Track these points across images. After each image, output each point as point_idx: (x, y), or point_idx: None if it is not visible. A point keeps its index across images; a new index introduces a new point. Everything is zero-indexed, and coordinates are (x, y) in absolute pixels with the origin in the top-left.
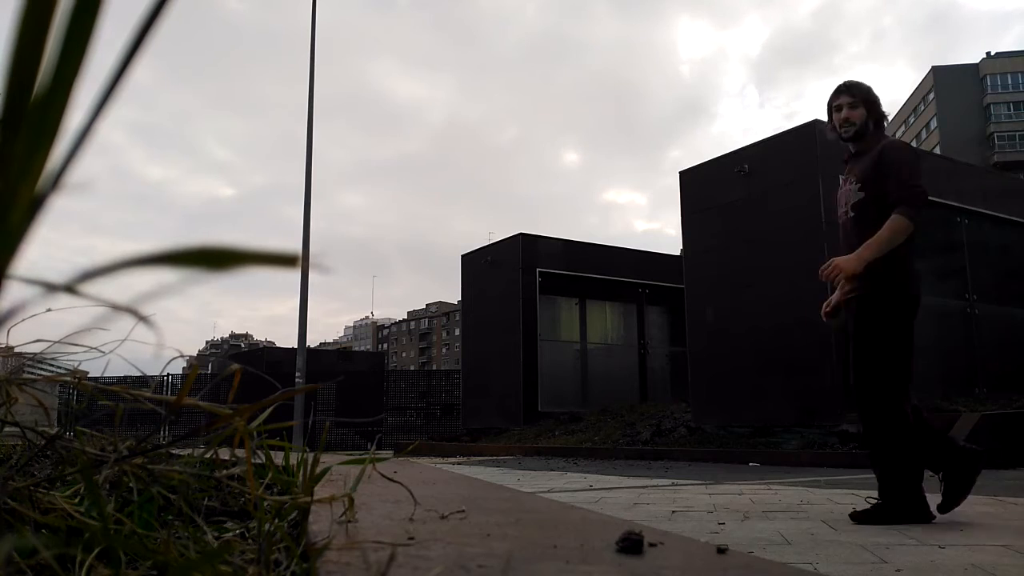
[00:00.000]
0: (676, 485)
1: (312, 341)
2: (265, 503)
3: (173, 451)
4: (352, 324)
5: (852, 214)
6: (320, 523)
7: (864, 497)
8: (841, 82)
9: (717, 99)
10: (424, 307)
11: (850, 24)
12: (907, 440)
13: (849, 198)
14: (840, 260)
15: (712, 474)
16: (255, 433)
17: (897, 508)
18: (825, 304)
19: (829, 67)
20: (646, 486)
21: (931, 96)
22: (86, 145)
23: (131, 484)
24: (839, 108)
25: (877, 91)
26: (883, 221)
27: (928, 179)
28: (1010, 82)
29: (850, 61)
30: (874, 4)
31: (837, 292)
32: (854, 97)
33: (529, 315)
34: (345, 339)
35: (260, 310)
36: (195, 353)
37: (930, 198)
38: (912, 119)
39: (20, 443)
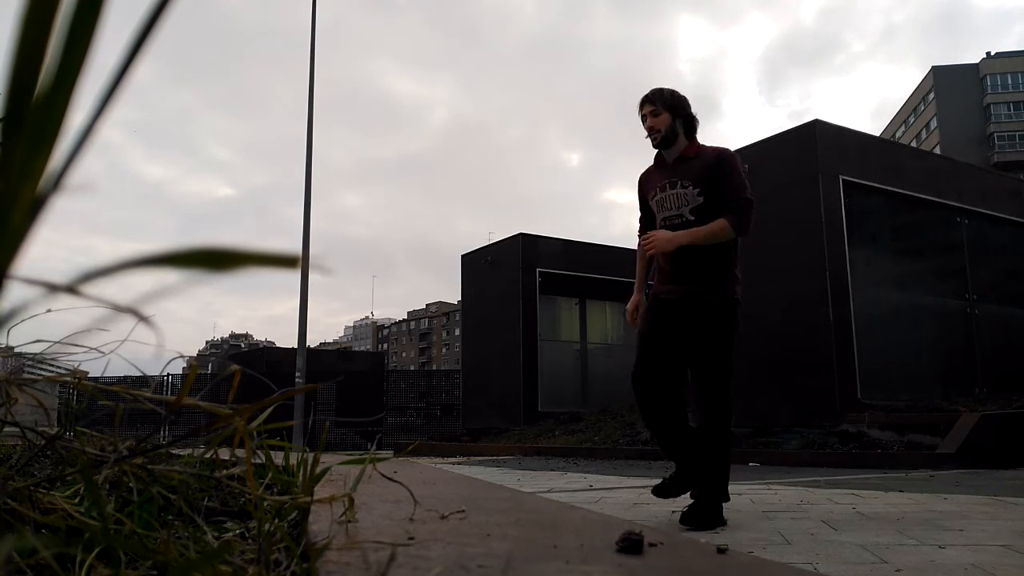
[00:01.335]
0: None
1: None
2: (265, 503)
3: (173, 451)
4: (352, 324)
5: (692, 219)
6: (320, 523)
7: (865, 497)
8: (647, 91)
9: (722, 98)
10: (424, 307)
11: (857, 23)
12: (727, 431)
13: (687, 202)
14: (657, 237)
15: None
16: (255, 433)
17: (718, 505)
18: (632, 306)
19: (836, 67)
20: (646, 486)
21: (931, 96)
22: (87, 146)
23: (131, 484)
24: (644, 118)
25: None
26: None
27: (928, 179)
28: (1010, 82)
29: (857, 60)
30: (884, 4)
31: (636, 295)
32: (655, 105)
33: (529, 315)
34: (345, 339)
35: (260, 310)
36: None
37: (930, 198)
38: (912, 119)
39: (20, 443)
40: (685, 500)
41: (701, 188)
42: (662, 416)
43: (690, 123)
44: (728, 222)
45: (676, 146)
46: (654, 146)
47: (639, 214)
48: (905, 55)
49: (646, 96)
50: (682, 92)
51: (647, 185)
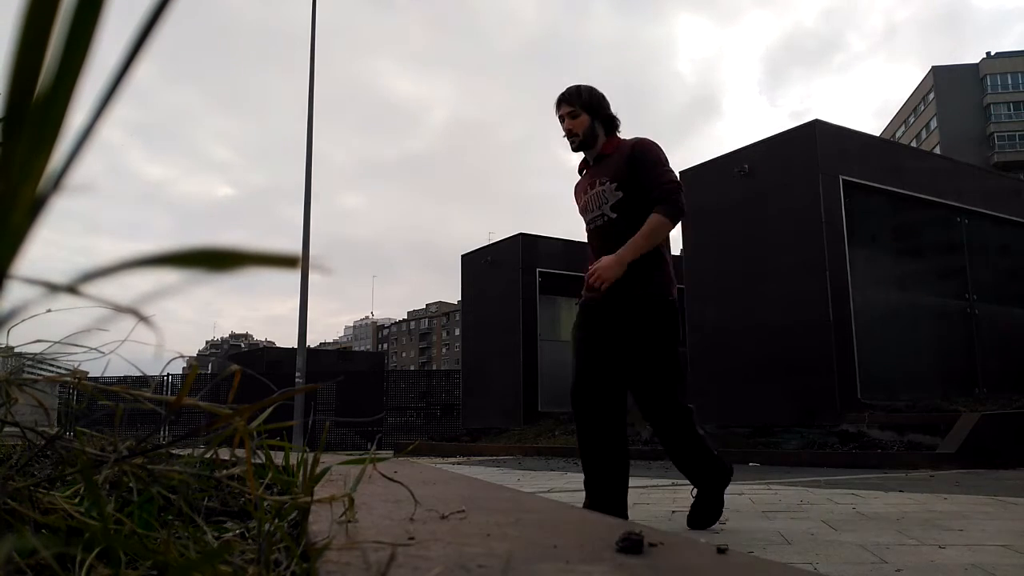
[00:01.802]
0: (676, 485)
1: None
2: (265, 503)
3: (173, 451)
4: (352, 324)
5: (614, 215)
6: (320, 523)
7: (865, 497)
8: (562, 91)
9: (722, 98)
10: (424, 307)
11: (858, 23)
12: (696, 432)
13: (606, 199)
14: (601, 267)
15: None
16: (255, 433)
17: (719, 496)
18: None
19: (838, 66)
20: (646, 486)
21: (931, 96)
22: (87, 146)
23: (131, 484)
24: (561, 119)
25: (604, 94)
26: (644, 220)
27: (928, 179)
28: (1010, 82)
29: (858, 60)
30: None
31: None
32: (573, 106)
33: (529, 315)
34: (345, 339)
35: (260, 310)
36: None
37: (930, 198)
38: (912, 119)
39: (20, 443)
40: (686, 500)
41: (619, 183)
42: (600, 436)
43: (610, 122)
44: (660, 213)
45: (596, 147)
46: (573, 149)
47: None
48: (907, 54)
49: (563, 96)
50: (686, 91)
51: (577, 194)
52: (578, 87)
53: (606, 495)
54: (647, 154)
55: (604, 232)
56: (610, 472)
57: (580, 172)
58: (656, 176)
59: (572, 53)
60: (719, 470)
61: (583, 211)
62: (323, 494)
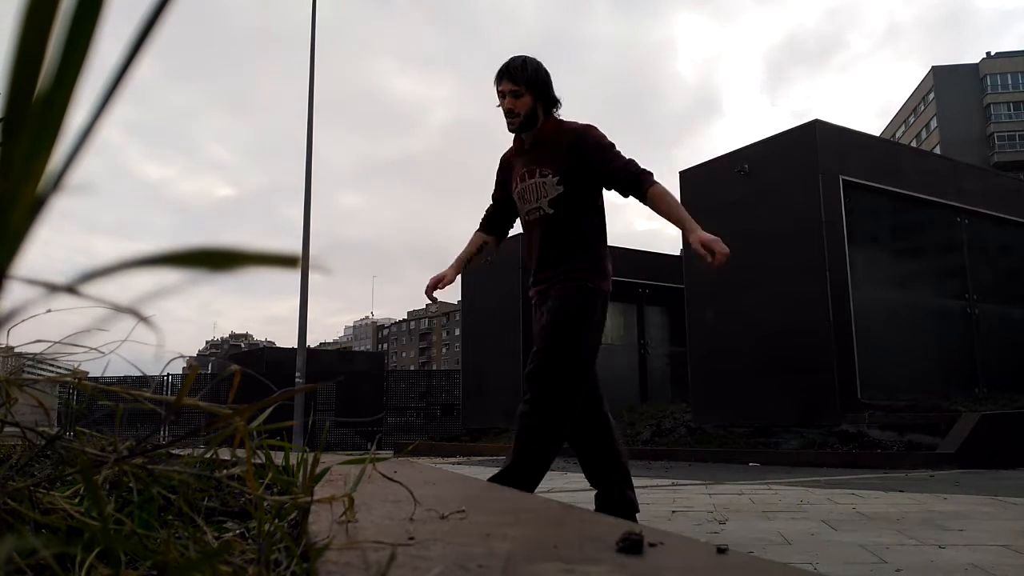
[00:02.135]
0: (676, 485)
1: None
2: (265, 503)
3: (173, 451)
4: (352, 324)
5: (551, 211)
6: (320, 523)
7: (865, 497)
8: (506, 62)
9: (723, 98)
10: (424, 307)
11: (860, 23)
12: (562, 434)
13: (545, 192)
14: (719, 245)
15: (712, 474)
16: (255, 433)
17: (518, 477)
18: (434, 279)
19: (839, 66)
20: (646, 486)
21: (931, 96)
22: (88, 146)
23: (131, 484)
24: (502, 95)
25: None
26: (584, 214)
27: (928, 179)
28: (1010, 82)
29: (860, 60)
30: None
31: (448, 269)
32: (517, 84)
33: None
34: (345, 339)
35: (260, 310)
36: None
37: (930, 198)
38: (912, 119)
39: (20, 443)
40: (686, 500)
41: (561, 176)
42: (583, 435)
43: (552, 104)
44: (655, 182)
45: (535, 129)
46: (510, 130)
47: (493, 193)
48: (908, 54)
49: (507, 71)
50: (686, 91)
51: (508, 172)
52: (523, 61)
53: (609, 485)
54: (596, 140)
55: (540, 225)
56: (602, 463)
57: (515, 152)
58: (612, 161)
59: (572, 53)
60: (542, 462)
61: (518, 198)
62: (323, 494)
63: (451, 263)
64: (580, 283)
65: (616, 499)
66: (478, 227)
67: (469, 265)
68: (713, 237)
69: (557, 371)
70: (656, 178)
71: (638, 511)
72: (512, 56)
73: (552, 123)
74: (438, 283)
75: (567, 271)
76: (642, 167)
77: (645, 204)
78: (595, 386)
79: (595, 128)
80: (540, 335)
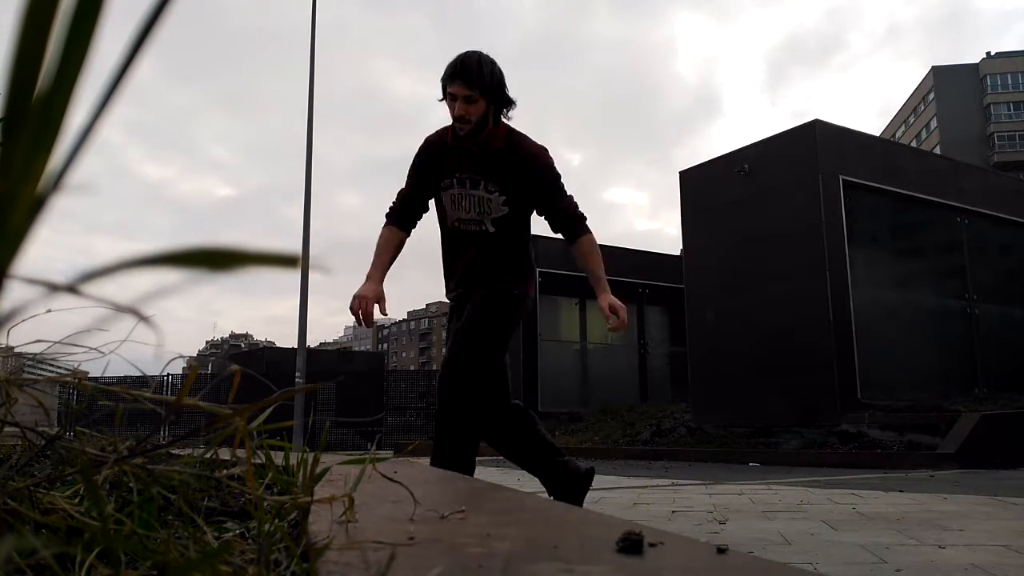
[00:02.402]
0: (676, 485)
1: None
2: (265, 503)
3: (173, 451)
4: (352, 324)
5: (492, 230)
6: (320, 523)
7: (865, 497)
8: (458, 59)
9: (723, 98)
10: (424, 307)
11: (860, 23)
12: (475, 431)
13: (489, 210)
14: (622, 312)
15: (712, 474)
16: (255, 433)
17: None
18: (362, 297)
19: (840, 65)
20: (646, 486)
21: (931, 96)
22: (87, 145)
23: (131, 484)
24: (452, 96)
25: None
26: (520, 230)
27: (928, 179)
28: (1010, 82)
29: (861, 59)
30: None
31: (373, 284)
32: (471, 89)
33: (529, 315)
34: (345, 339)
35: (260, 310)
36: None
37: (930, 198)
38: (912, 119)
39: (20, 443)
40: (686, 500)
41: (508, 196)
42: (503, 430)
43: (505, 106)
44: (589, 233)
45: (482, 133)
46: (459, 135)
47: (409, 182)
48: (909, 54)
49: (461, 72)
50: (687, 91)
51: (437, 163)
52: (479, 62)
53: (548, 471)
54: (547, 171)
55: (477, 240)
56: (530, 454)
57: (451, 145)
58: (560, 197)
59: (572, 53)
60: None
61: (451, 201)
62: (323, 494)
63: (370, 275)
64: (507, 287)
65: (568, 475)
66: (388, 222)
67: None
68: (620, 304)
69: (477, 370)
70: (588, 230)
71: (594, 472)
72: (465, 53)
73: (502, 129)
74: (371, 307)
75: (495, 280)
76: (582, 217)
77: (571, 246)
78: (507, 381)
79: (548, 155)
80: (465, 332)
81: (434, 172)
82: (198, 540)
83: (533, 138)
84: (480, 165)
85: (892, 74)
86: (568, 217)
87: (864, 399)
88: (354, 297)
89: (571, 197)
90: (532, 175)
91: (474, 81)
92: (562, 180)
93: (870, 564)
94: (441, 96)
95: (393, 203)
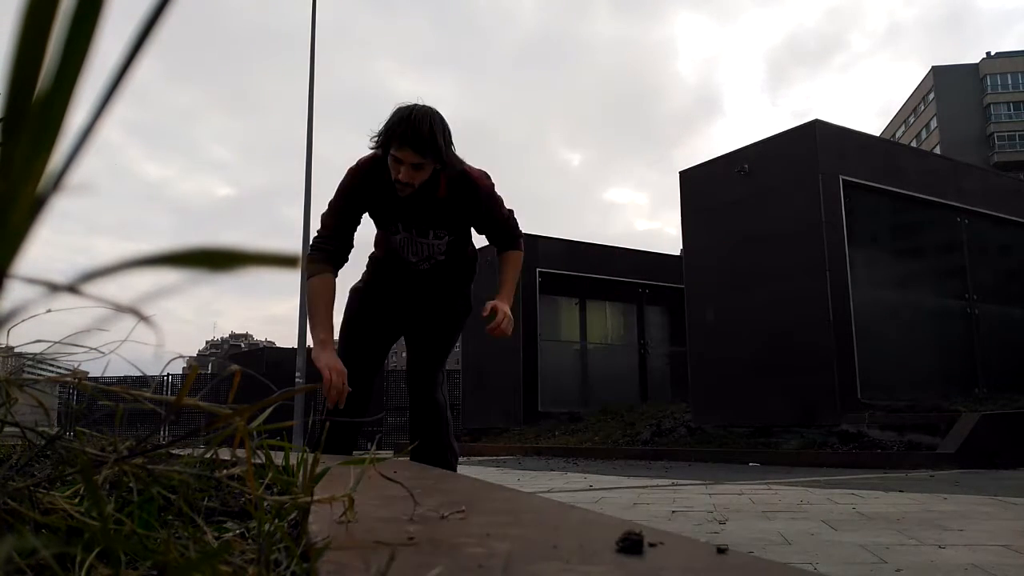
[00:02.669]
0: (676, 485)
1: None
2: (265, 503)
3: (173, 451)
4: None
5: (442, 258)
6: (320, 523)
7: (865, 497)
8: (406, 122)
9: (723, 98)
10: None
11: (861, 22)
12: (444, 418)
13: (439, 250)
14: (507, 319)
15: (712, 474)
16: (255, 433)
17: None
18: (333, 374)
19: (840, 65)
20: (646, 486)
21: (931, 96)
22: (88, 145)
23: (131, 484)
24: (398, 160)
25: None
26: (468, 243)
27: (928, 179)
28: (1010, 82)
29: (861, 59)
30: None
31: (333, 357)
32: (423, 157)
33: (529, 315)
34: None
35: (260, 310)
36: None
37: (930, 198)
38: (912, 119)
39: (20, 443)
40: (686, 500)
41: (453, 229)
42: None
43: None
44: (518, 249)
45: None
46: (400, 195)
47: (343, 220)
48: (909, 54)
49: (413, 140)
50: (687, 91)
51: (376, 203)
52: (432, 130)
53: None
54: (490, 198)
55: (432, 268)
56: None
57: (388, 185)
58: (511, 226)
59: (572, 53)
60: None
61: (399, 245)
62: (323, 494)
63: (324, 340)
64: (463, 299)
65: (437, 446)
66: (322, 267)
67: None
68: (509, 314)
69: (443, 375)
70: (520, 247)
71: (457, 456)
72: (413, 114)
73: (442, 177)
74: (344, 380)
75: (451, 291)
76: (520, 235)
77: (500, 255)
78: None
79: (489, 180)
80: (436, 343)
81: (372, 209)
82: (198, 540)
83: (481, 166)
84: (426, 217)
85: (892, 74)
86: (509, 232)
87: (864, 399)
88: (327, 368)
89: (511, 212)
90: (476, 208)
91: (427, 150)
92: (501, 198)
93: (870, 564)
94: (375, 147)
95: (324, 242)
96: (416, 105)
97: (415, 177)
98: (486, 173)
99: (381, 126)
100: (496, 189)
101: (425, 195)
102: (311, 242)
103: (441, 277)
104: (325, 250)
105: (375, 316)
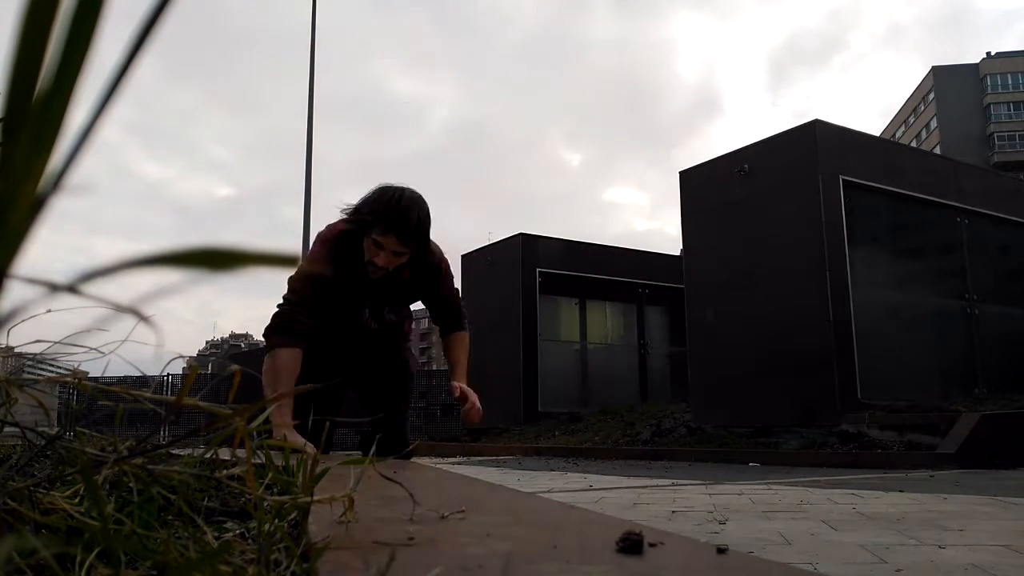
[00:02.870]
0: (676, 485)
1: None
2: (265, 503)
3: (173, 451)
4: None
5: (394, 319)
6: (320, 523)
7: (865, 497)
8: (395, 209)
9: (723, 98)
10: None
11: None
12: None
13: (393, 318)
14: (476, 404)
15: (712, 474)
16: (255, 433)
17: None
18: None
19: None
20: (646, 486)
21: (931, 96)
22: (88, 145)
23: (131, 484)
24: (379, 244)
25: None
26: (409, 309)
27: (928, 179)
28: (1010, 82)
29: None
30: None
31: (295, 436)
32: (406, 246)
33: (529, 315)
34: None
35: (260, 310)
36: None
37: (930, 198)
38: (912, 119)
39: (20, 443)
40: (686, 500)
41: (407, 304)
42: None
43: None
44: (464, 329)
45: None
46: (371, 277)
47: (316, 293)
48: (910, 54)
49: (400, 229)
50: (687, 91)
51: (344, 280)
52: (420, 221)
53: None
54: (447, 283)
55: (375, 331)
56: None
57: (359, 264)
58: (454, 300)
59: (572, 53)
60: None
61: (362, 317)
62: (323, 494)
63: (283, 420)
64: (408, 353)
65: (394, 437)
66: (292, 340)
67: None
68: (478, 407)
69: (407, 427)
70: (466, 327)
71: (410, 450)
72: (402, 201)
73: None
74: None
75: (399, 348)
76: (465, 315)
77: (446, 336)
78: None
79: (447, 264)
80: (397, 398)
81: (340, 287)
82: (198, 540)
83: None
84: (390, 296)
85: (892, 74)
86: (456, 311)
87: (864, 399)
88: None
89: (458, 291)
90: (433, 290)
91: (410, 240)
92: (453, 278)
93: (870, 564)
94: (350, 224)
95: (300, 313)
96: (404, 190)
97: (392, 263)
98: (445, 259)
99: (360, 201)
100: (453, 278)
101: (392, 277)
102: (283, 304)
103: (388, 335)
104: (301, 323)
105: (324, 371)
